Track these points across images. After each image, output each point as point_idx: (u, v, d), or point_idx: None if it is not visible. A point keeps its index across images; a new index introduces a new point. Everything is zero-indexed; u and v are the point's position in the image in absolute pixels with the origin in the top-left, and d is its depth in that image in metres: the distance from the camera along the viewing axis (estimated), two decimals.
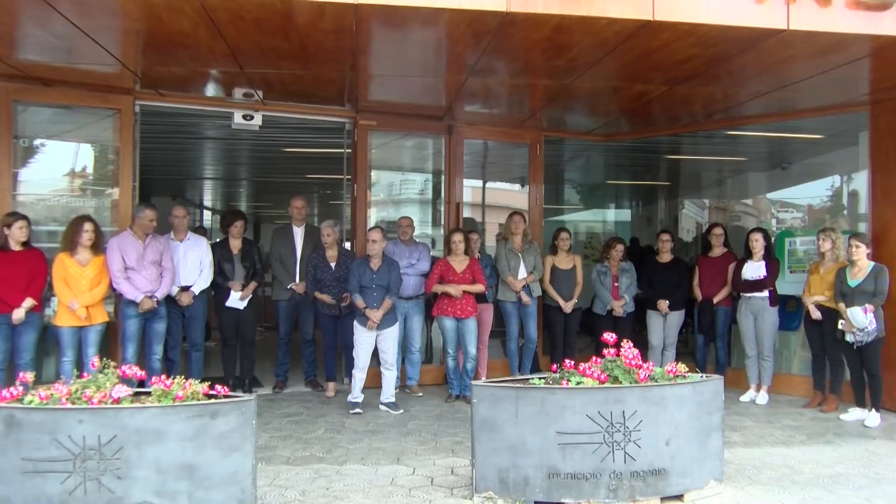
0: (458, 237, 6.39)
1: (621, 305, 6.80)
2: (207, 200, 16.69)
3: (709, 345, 6.99)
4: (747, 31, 4.33)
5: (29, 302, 5.24)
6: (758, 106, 6.56)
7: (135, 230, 5.74)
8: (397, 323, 6.13)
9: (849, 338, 5.57)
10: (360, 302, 5.83)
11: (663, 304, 6.77)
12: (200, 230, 9.07)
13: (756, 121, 7.22)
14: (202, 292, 6.28)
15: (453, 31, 4.49)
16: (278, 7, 4.01)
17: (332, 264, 6.39)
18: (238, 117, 6.72)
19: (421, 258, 6.68)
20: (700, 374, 4.07)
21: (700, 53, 4.88)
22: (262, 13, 4.14)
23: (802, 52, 4.81)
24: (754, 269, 6.44)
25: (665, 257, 7.04)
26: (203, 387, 3.52)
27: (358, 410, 5.90)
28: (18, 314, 5.21)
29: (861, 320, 5.44)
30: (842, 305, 5.63)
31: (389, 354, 6.00)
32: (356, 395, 5.95)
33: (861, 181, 6.67)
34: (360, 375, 5.94)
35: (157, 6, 4.06)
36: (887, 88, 5.84)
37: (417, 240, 6.99)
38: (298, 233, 6.93)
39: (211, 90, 6.38)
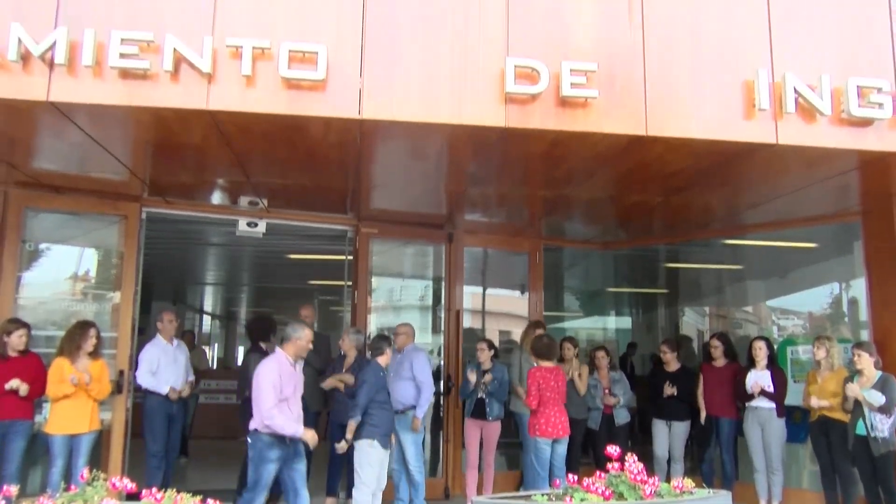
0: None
1: (614, 403, 6.67)
2: (207, 305, 16.69)
3: (713, 457, 6.78)
4: (738, 144, 4.48)
5: (24, 388, 5.17)
6: (753, 215, 6.69)
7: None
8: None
9: (860, 429, 5.39)
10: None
11: (669, 388, 6.62)
12: (189, 335, 9.17)
13: (752, 230, 7.34)
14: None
15: (454, 144, 4.65)
16: (286, 121, 4.17)
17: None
18: (242, 225, 6.84)
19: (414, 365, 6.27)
20: (707, 490, 3.92)
21: (693, 165, 5.03)
22: (270, 126, 4.31)
23: (793, 164, 4.95)
24: (760, 379, 6.32)
25: (671, 367, 6.96)
26: (195, 500, 3.38)
27: None
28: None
29: (877, 398, 5.30)
30: (855, 386, 5.49)
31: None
32: None
33: (859, 288, 6.69)
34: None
35: (169, 118, 4.23)
36: (877, 199, 5.97)
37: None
38: None
39: (217, 198, 6.54)
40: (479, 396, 6.38)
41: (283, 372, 4.69)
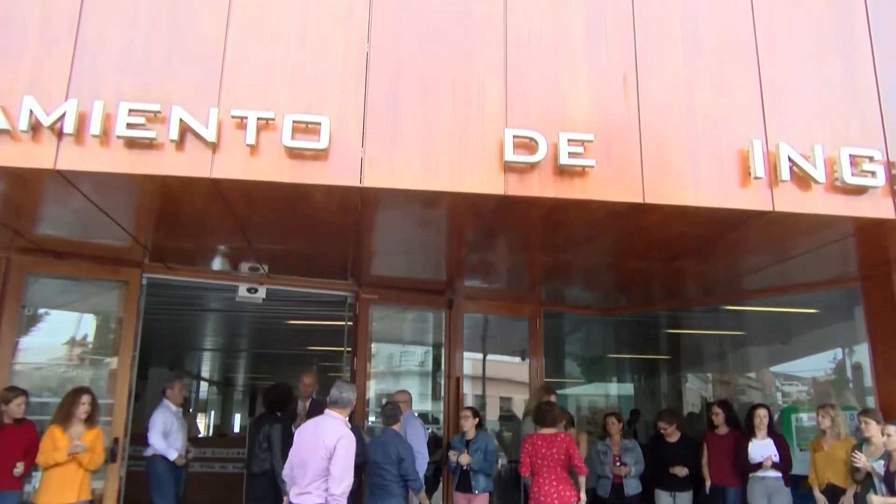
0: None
1: (625, 473, 6.48)
2: (205, 371, 16.54)
3: None
4: (735, 212, 4.52)
5: (19, 468, 5.07)
6: (754, 281, 6.70)
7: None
8: None
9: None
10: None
11: (680, 470, 6.44)
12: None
13: (753, 295, 7.34)
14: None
15: (454, 211, 4.70)
16: (288, 189, 4.23)
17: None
18: (243, 290, 6.85)
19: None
20: None
21: (691, 232, 5.07)
22: (273, 193, 4.36)
23: (790, 231, 4.99)
24: (762, 449, 6.19)
25: (672, 437, 6.82)
26: None
27: None
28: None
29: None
30: (863, 457, 5.34)
31: None
32: None
33: (863, 354, 6.64)
34: None
35: (173, 186, 4.29)
36: (876, 265, 5.99)
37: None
38: (302, 408, 6.79)
39: (218, 264, 6.57)
40: (463, 468, 6.08)
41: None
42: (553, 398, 6.57)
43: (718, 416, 6.68)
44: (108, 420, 6.00)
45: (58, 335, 6.64)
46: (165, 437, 6.29)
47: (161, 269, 6.54)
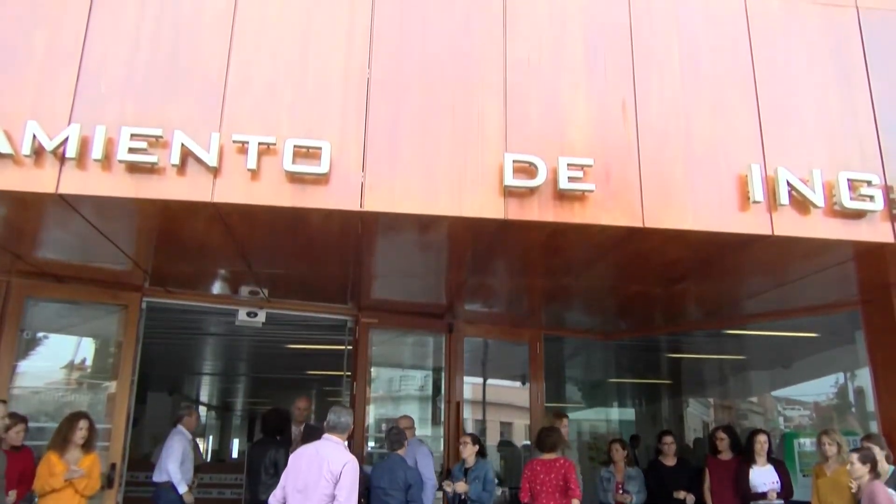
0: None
1: (628, 501, 6.39)
2: (203, 395, 16.45)
3: None
4: (734, 236, 4.53)
5: (11, 497, 5.01)
6: (754, 305, 6.69)
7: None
8: None
9: None
10: None
11: (689, 498, 6.31)
12: None
13: (754, 319, 7.32)
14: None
15: (454, 235, 4.71)
16: (288, 213, 4.24)
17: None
18: (242, 314, 6.84)
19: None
20: None
21: (691, 256, 5.08)
22: (273, 217, 4.37)
23: (790, 255, 5.00)
24: (763, 475, 6.10)
25: (670, 461, 6.76)
26: None
27: None
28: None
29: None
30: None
31: None
32: None
33: (865, 378, 6.60)
34: None
35: (174, 210, 4.30)
36: (876, 289, 5.99)
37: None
38: (297, 433, 6.73)
39: (218, 288, 6.56)
40: (461, 498, 5.91)
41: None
42: (564, 422, 6.49)
43: (723, 442, 6.59)
44: (106, 445, 5.95)
45: (56, 359, 6.60)
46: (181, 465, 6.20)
47: (161, 293, 6.54)
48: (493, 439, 8.96)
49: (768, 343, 8.68)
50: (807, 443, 6.80)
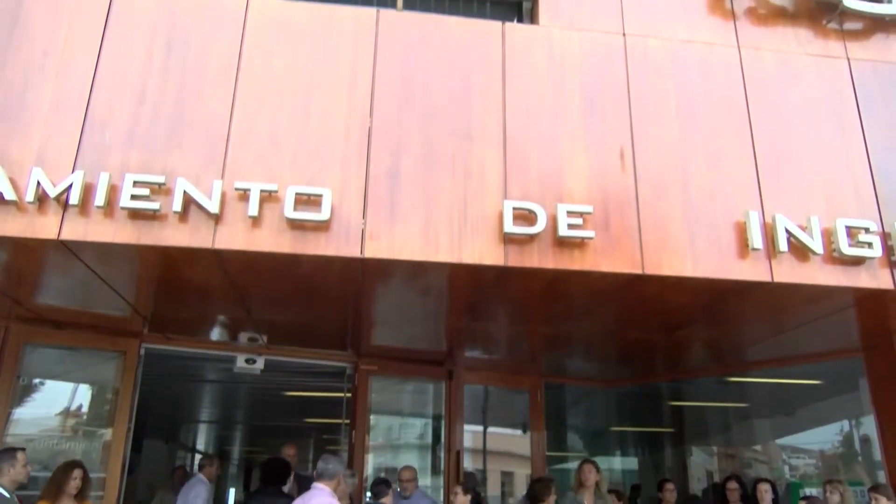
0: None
1: None
2: (200, 443, 16.22)
3: None
4: (734, 283, 4.54)
5: None
6: (756, 352, 6.65)
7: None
8: None
9: None
10: None
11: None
12: (180, 469, 9.00)
13: (757, 366, 7.26)
14: None
15: (454, 282, 4.72)
16: (289, 259, 4.25)
17: None
18: (241, 361, 6.80)
19: None
20: None
21: (691, 302, 5.07)
22: (274, 263, 4.38)
23: (790, 302, 4.99)
24: None
25: None
26: None
27: None
28: None
29: None
30: None
31: None
32: None
33: (870, 426, 6.52)
34: None
35: (175, 257, 4.32)
36: (878, 336, 5.96)
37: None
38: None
39: (217, 334, 6.53)
40: None
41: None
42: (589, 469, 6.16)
43: (735, 493, 6.42)
44: (100, 495, 5.84)
45: (52, 406, 6.52)
46: None
47: (160, 339, 6.50)
48: (494, 489, 8.79)
49: (772, 390, 8.60)
50: (812, 492, 6.68)
